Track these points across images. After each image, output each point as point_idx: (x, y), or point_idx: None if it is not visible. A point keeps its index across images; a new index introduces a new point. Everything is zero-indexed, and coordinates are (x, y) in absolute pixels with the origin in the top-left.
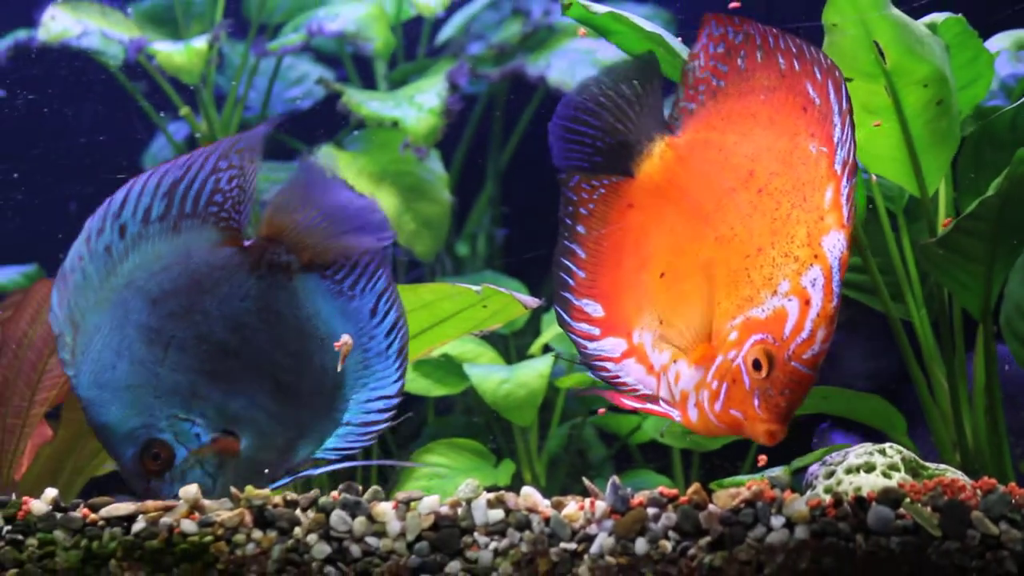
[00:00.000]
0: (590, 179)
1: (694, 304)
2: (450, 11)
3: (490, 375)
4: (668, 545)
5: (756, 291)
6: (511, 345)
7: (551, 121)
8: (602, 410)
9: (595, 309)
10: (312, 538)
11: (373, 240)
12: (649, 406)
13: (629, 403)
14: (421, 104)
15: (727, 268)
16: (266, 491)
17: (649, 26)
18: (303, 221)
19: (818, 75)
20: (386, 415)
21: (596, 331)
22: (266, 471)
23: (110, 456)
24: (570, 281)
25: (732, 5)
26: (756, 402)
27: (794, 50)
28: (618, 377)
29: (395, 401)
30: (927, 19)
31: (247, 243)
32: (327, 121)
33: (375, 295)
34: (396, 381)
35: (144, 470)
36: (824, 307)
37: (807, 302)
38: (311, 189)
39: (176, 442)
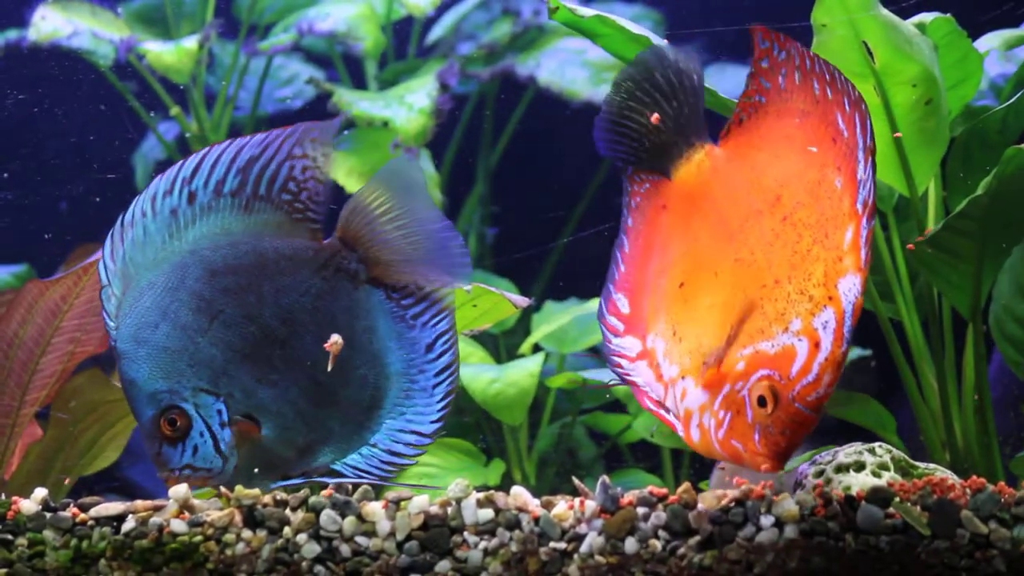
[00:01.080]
0: (640, 172)
1: (707, 325)
2: (440, 11)
3: (480, 374)
4: (658, 544)
5: (768, 324)
6: (501, 344)
7: (600, 114)
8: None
9: (624, 305)
10: (302, 537)
11: (449, 276)
12: (662, 412)
13: (647, 403)
14: (411, 104)
15: (743, 294)
16: (255, 491)
17: (636, 28)
18: (380, 234)
19: (847, 106)
20: (415, 452)
21: (621, 327)
22: (279, 467)
23: (132, 413)
24: (614, 273)
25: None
26: (756, 437)
27: (828, 76)
28: (630, 375)
29: (427, 441)
30: (916, 19)
31: (320, 241)
32: (318, 120)
33: (435, 332)
34: (434, 422)
35: (159, 434)
36: (833, 352)
37: (817, 344)
38: (394, 198)
39: (196, 414)
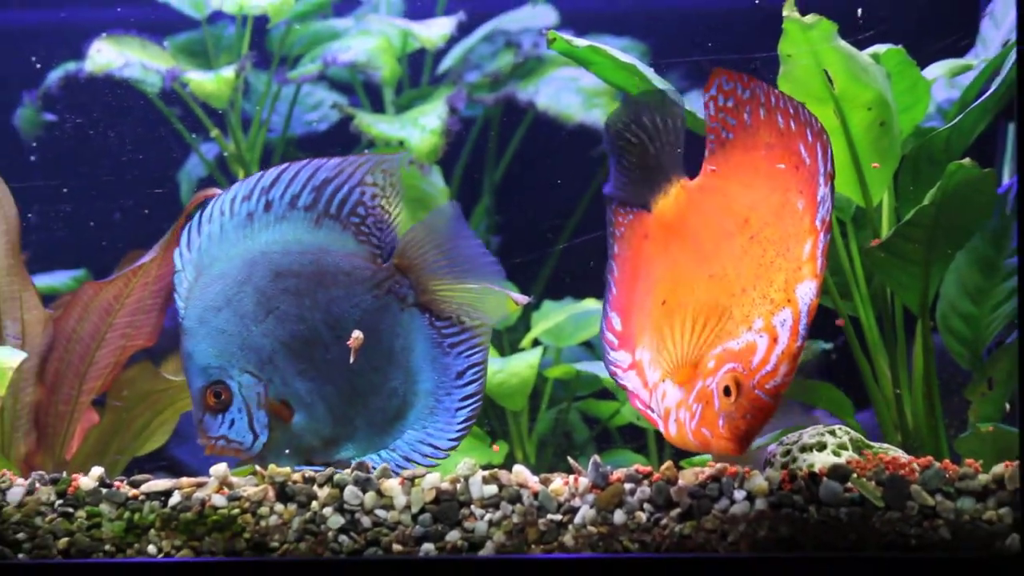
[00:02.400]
0: (624, 205)
1: (684, 332)
2: (450, 44)
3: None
4: (643, 516)
5: (736, 326)
6: (504, 339)
7: (612, 153)
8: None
9: (617, 322)
10: (328, 511)
11: (487, 313)
12: (648, 412)
13: (637, 403)
14: (424, 125)
15: (715, 304)
16: (287, 469)
17: (625, 57)
18: (432, 266)
19: (809, 137)
20: (429, 462)
21: (616, 341)
22: (304, 453)
23: (186, 382)
24: (608, 294)
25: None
26: (721, 423)
27: (791, 111)
28: (623, 383)
29: (442, 455)
30: (871, 50)
31: (379, 264)
32: (341, 141)
33: (468, 363)
34: (451, 439)
35: (204, 404)
36: (789, 345)
37: (775, 339)
38: (450, 238)
39: (238, 392)
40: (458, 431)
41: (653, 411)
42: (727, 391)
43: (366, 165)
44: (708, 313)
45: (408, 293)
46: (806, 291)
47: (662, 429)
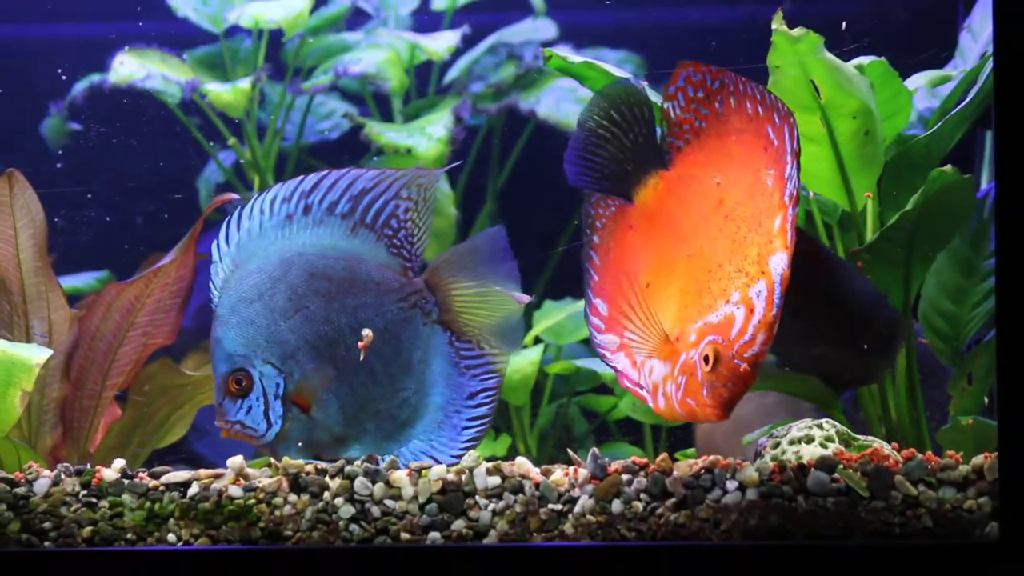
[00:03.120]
0: (604, 199)
1: (668, 311)
2: (455, 56)
3: None
4: (639, 505)
5: (714, 300)
6: None
7: (568, 149)
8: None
9: (603, 307)
10: (339, 501)
11: (508, 346)
12: (636, 389)
13: (626, 382)
14: (431, 134)
15: (694, 280)
16: (300, 461)
17: (618, 71)
18: (460, 290)
19: (776, 119)
20: None
21: (602, 326)
22: (313, 447)
23: (211, 366)
24: (589, 281)
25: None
26: (705, 392)
27: (759, 96)
28: (613, 364)
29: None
30: (856, 61)
31: (409, 277)
32: (352, 149)
33: (481, 386)
34: (453, 456)
35: (226, 388)
36: (765, 315)
37: (751, 310)
38: (482, 264)
39: (259, 381)
40: (461, 448)
41: (642, 388)
42: (707, 360)
43: (402, 179)
44: (688, 289)
45: (433, 309)
46: (778, 262)
47: (650, 403)
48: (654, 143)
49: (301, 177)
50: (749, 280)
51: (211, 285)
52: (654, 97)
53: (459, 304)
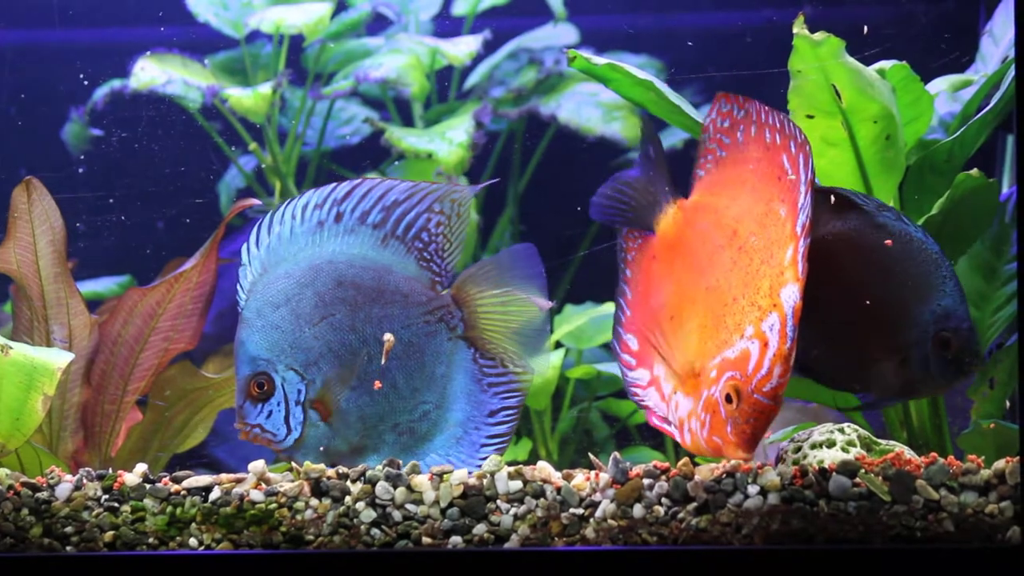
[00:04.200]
0: (632, 231)
1: (691, 345)
2: (475, 61)
3: None
4: (661, 510)
5: (730, 335)
6: None
7: (604, 187)
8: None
9: (633, 343)
10: (360, 505)
11: (530, 349)
12: (665, 426)
13: (656, 422)
14: (451, 139)
15: (712, 315)
16: (321, 465)
17: (641, 74)
18: (487, 307)
19: (792, 149)
20: None
21: (633, 361)
22: (331, 456)
23: (234, 368)
24: (621, 316)
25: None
26: (729, 430)
27: (777, 125)
28: (644, 400)
29: None
30: (877, 66)
31: (436, 291)
32: (373, 154)
33: (503, 404)
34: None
35: (247, 391)
36: (779, 348)
37: (766, 344)
38: (510, 282)
39: (280, 386)
40: (477, 465)
41: (670, 424)
42: (728, 399)
43: (436, 193)
44: (707, 323)
45: (459, 325)
46: (790, 294)
47: (678, 439)
48: (668, 176)
49: (335, 184)
50: (762, 314)
51: (238, 287)
52: (678, 101)
53: (485, 321)
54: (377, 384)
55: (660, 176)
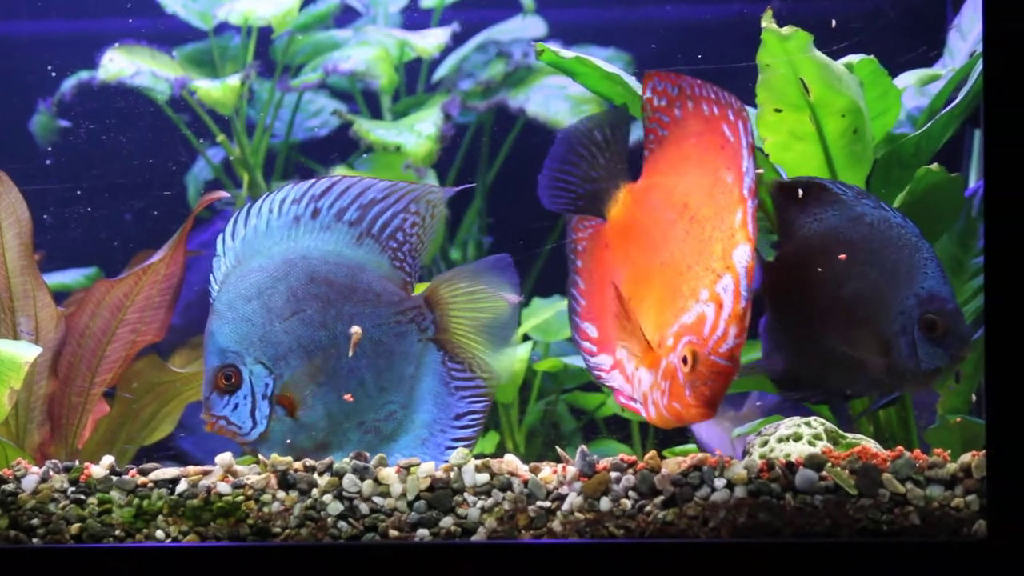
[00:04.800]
0: (583, 220)
1: (648, 320)
2: (444, 54)
3: None
4: (628, 503)
5: (686, 301)
6: None
7: (541, 171)
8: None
9: (592, 330)
10: (328, 498)
11: (499, 373)
12: (631, 404)
13: (621, 399)
14: (420, 131)
15: (668, 286)
16: (288, 458)
17: (609, 67)
18: (458, 312)
19: (731, 116)
20: None
21: (594, 348)
22: (295, 451)
23: (203, 358)
24: (576, 306)
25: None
26: (688, 393)
27: (712, 96)
28: (609, 383)
29: None
30: (845, 60)
31: (408, 293)
32: (341, 146)
33: (469, 408)
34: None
35: (214, 382)
36: (734, 308)
37: (720, 305)
38: (484, 291)
39: (248, 379)
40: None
41: (636, 401)
42: (685, 361)
43: (413, 193)
44: (664, 296)
45: (429, 327)
46: (742, 255)
47: (644, 414)
48: (624, 157)
49: (313, 180)
50: (716, 277)
51: (211, 278)
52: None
53: (456, 323)
54: (348, 397)
55: (618, 161)
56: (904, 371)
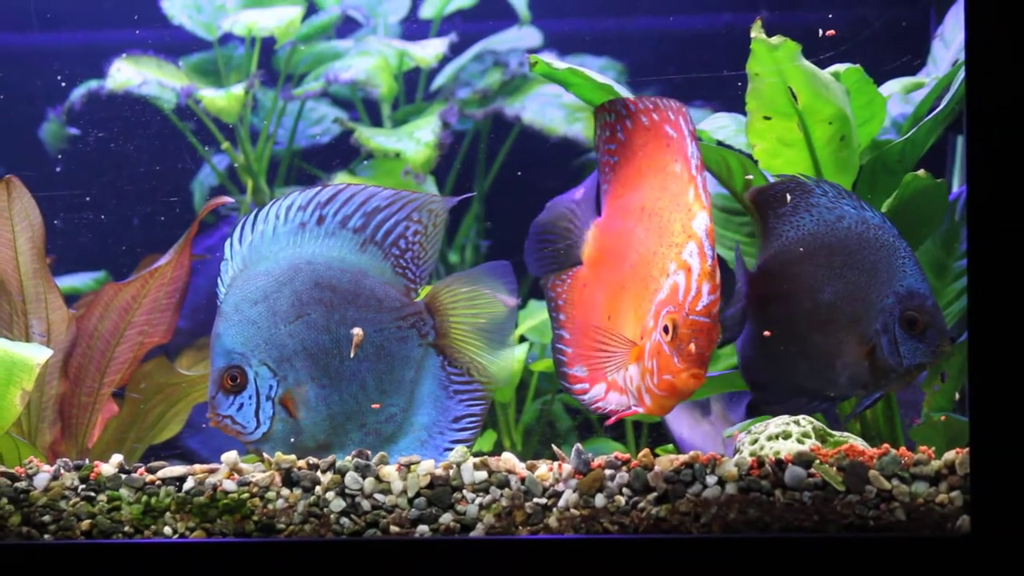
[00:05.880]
0: (559, 275)
1: (629, 321)
2: (442, 63)
3: None
4: (622, 500)
5: (658, 282)
6: None
7: (526, 242)
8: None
9: (582, 371)
10: (330, 495)
11: (496, 378)
12: (623, 413)
13: (622, 413)
14: (419, 138)
15: (640, 281)
16: (292, 456)
17: (601, 78)
18: (458, 317)
19: (671, 115)
20: None
21: (586, 386)
22: (298, 451)
23: (210, 360)
24: (563, 359)
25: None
26: (676, 360)
27: (651, 105)
28: (606, 408)
29: None
30: (832, 69)
31: (410, 298)
32: (342, 153)
33: (467, 411)
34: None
35: (220, 383)
36: (702, 267)
37: (689, 269)
38: (483, 296)
39: (253, 380)
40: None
41: (632, 406)
42: (667, 330)
43: (416, 202)
44: (638, 291)
45: (429, 332)
46: (700, 222)
47: (641, 410)
48: (593, 204)
49: (319, 187)
50: (680, 248)
51: (219, 281)
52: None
53: (454, 331)
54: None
55: (589, 207)
56: (887, 369)
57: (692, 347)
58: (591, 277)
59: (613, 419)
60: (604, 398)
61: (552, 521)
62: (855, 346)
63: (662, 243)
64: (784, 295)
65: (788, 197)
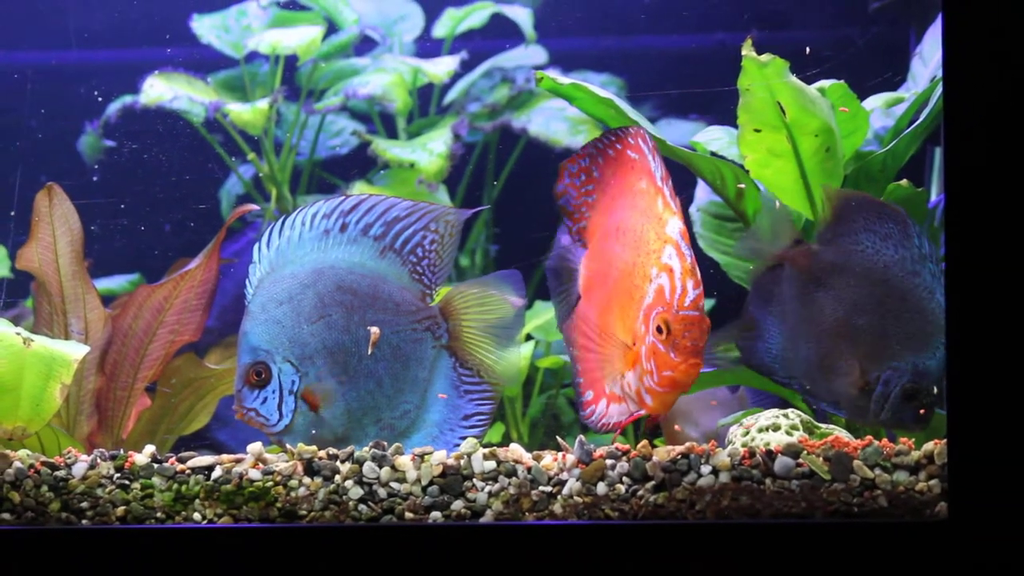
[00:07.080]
0: (569, 317)
1: (619, 331)
2: (453, 79)
3: None
4: (622, 488)
5: (641, 289)
6: None
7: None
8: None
9: (589, 395)
10: (349, 483)
11: (505, 379)
12: (628, 419)
13: (620, 427)
14: (432, 150)
15: (624, 293)
16: (313, 447)
17: (603, 92)
18: (470, 322)
19: (630, 140)
20: None
21: (593, 407)
22: (318, 444)
23: (236, 355)
24: (579, 390)
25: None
26: (673, 355)
27: (613, 138)
28: (610, 422)
29: None
30: (818, 84)
31: (426, 303)
32: (360, 163)
33: (477, 409)
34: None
35: (246, 378)
36: (683, 265)
37: (671, 270)
38: (495, 301)
39: (277, 376)
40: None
41: (634, 410)
42: (659, 330)
43: (432, 213)
44: (623, 302)
45: (443, 335)
46: (673, 227)
47: (644, 412)
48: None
49: (343, 197)
50: (658, 253)
51: (247, 283)
52: (636, 116)
53: (466, 335)
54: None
55: (571, 252)
56: (867, 410)
57: (687, 341)
58: (585, 304)
59: (619, 428)
60: (606, 413)
61: (557, 508)
62: (855, 373)
63: (639, 253)
64: (832, 286)
65: (892, 224)
